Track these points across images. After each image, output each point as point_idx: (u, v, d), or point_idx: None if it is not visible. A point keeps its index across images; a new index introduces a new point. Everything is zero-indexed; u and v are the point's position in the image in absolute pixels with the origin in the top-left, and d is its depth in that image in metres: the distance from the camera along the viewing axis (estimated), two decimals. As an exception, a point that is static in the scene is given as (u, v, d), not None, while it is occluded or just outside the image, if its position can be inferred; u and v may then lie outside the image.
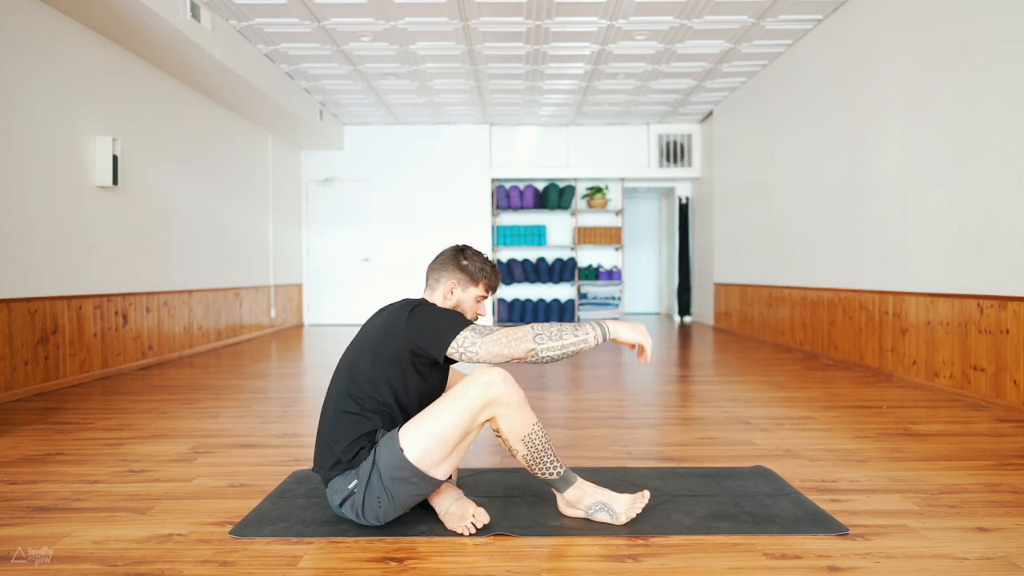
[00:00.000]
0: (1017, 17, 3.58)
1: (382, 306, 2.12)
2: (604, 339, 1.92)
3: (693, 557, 1.79)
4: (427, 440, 1.86)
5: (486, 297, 2.18)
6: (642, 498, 2.03)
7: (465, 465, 2.58)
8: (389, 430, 1.95)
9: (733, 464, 2.62)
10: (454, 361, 1.96)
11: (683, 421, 3.43)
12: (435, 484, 1.92)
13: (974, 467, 2.57)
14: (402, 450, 1.87)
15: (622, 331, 1.92)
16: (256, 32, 5.85)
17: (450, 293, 2.12)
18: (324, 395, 2.06)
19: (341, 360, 2.06)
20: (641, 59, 6.61)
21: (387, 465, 1.88)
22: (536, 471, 1.99)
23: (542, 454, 1.97)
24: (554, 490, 2.06)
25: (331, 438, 1.95)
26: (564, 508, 2.06)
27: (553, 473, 1.99)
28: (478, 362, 1.90)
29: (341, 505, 1.95)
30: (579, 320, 9.73)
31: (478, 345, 1.88)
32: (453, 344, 1.88)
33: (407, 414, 1.99)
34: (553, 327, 1.91)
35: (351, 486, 1.92)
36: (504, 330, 1.90)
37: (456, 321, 1.93)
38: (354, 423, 1.94)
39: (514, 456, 1.99)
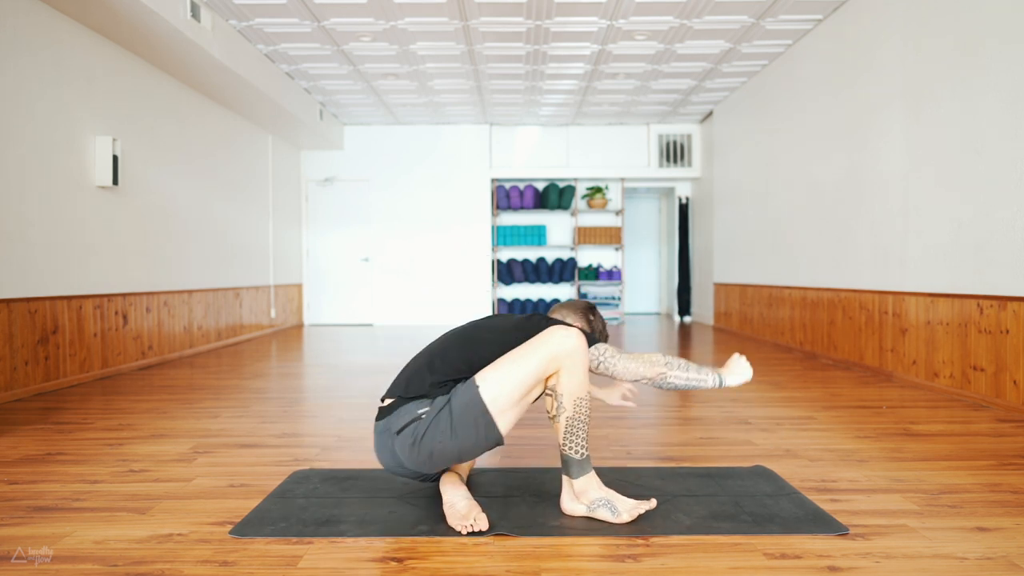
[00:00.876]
0: (1017, 17, 3.58)
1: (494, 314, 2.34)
2: (719, 386, 2.18)
3: (693, 557, 1.79)
4: (502, 383, 1.94)
5: None
6: (647, 504, 2.05)
7: (465, 465, 2.58)
8: None
9: (733, 464, 2.62)
10: None
11: (683, 421, 3.43)
12: (495, 436, 1.96)
13: (974, 467, 2.57)
14: (478, 387, 1.94)
15: (735, 380, 2.20)
16: (256, 32, 5.85)
17: None
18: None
19: (457, 330, 2.17)
20: (641, 59, 6.61)
21: (460, 401, 1.94)
22: (567, 441, 2.02)
23: (582, 425, 2.02)
24: (565, 476, 2.06)
25: (427, 370, 2.05)
26: (567, 500, 2.06)
27: (579, 452, 2.03)
28: (612, 375, 2.13)
29: (399, 432, 1.98)
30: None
31: (616, 359, 2.12)
32: (593, 350, 2.10)
33: None
34: (682, 360, 2.16)
35: (421, 411, 1.98)
36: (639, 353, 2.15)
37: (593, 336, 2.16)
38: (461, 368, 2.04)
39: (555, 417, 2.02)
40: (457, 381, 2.02)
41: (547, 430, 3.13)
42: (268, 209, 8.36)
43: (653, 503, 2.06)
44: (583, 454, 2.03)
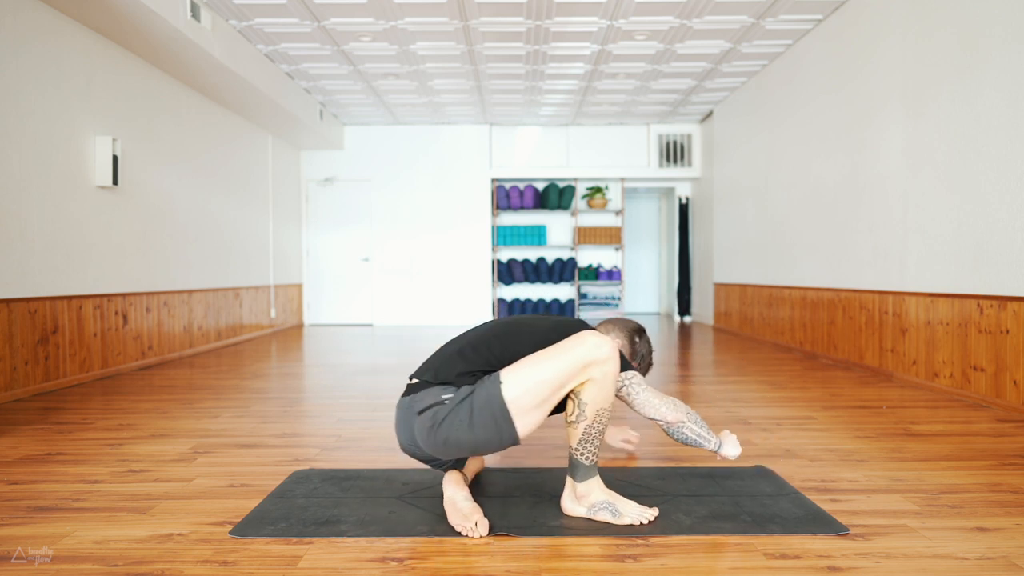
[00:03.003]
0: (1017, 17, 3.57)
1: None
2: (716, 451, 2.21)
3: (693, 557, 1.79)
4: (526, 383, 1.90)
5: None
6: (650, 512, 2.02)
7: (465, 465, 2.58)
8: None
9: (733, 464, 2.62)
10: None
11: (683, 421, 3.43)
12: (511, 436, 1.92)
13: (974, 467, 2.57)
14: (501, 383, 1.91)
15: (728, 452, 2.23)
16: (256, 32, 5.85)
17: None
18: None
19: (496, 323, 2.16)
20: (641, 59, 6.61)
21: (482, 395, 1.91)
22: (579, 447, 2.00)
23: (598, 434, 2.00)
24: (569, 478, 2.05)
25: (460, 358, 2.03)
26: (568, 500, 2.06)
27: (589, 459, 2.01)
28: (632, 404, 2.13)
29: (421, 413, 1.97)
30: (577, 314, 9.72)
31: (641, 388, 2.11)
32: (623, 375, 2.09)
33: None
34: (698, 416, 2.20)
35: (445, 397, 1.96)
36: (665, 396, 2.15)
37: (628, 362, 2.14)
38: (493, 362, 2.02)
39: (573, 424, 1.98)
40: (486, 373, 2.00)
41: (548, 430, 3.13)
42: (268, 209, 8.36)
43: (655, 511, 2.04)
44: (592, 460, 2.02)
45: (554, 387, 1.91)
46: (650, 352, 2.40)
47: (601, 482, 2.05)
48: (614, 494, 2.05)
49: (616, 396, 2.09)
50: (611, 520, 1.99)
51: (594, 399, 1.95)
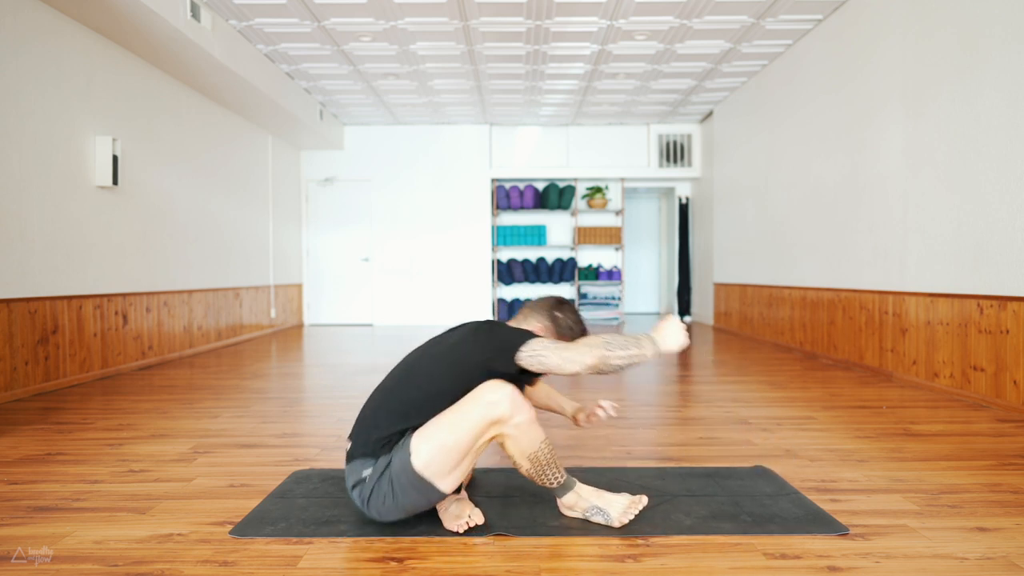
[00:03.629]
0: (1017, 17, 3.57)
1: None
2: (658, 353, 1.95)
3: (693, 557, 1.79)
4: (434, 451, 1.86)
5: None
6: (639, 502, 2.02)
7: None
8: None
9: (733, 464, 2.62)
10: (529, 373, 1.98)
11: (683, 421, 3.43)
12: (439, 495, 1.90)
13: (974, 467, 2.57)
14: (411, 454, 1.86)
15: (670, 346, 1.95)
16: (256, 32, 5.85)
17: None
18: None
19: (407, 360, 2.10)
20: (641, 59, 6.61)
21: (397, 467, 1.88)
22: (536, 480, 2.00)
23: (546, 468, 1.97)
24: (553, 494, 2.09)
25: (372, 423, 1.97)
26: (563, 509, 2.08)
27: (554, 483, 2.00)
28: (550, 369, 1.91)
29: (352, 489, 1.96)
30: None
31: (550, 350, 1.90)
32: (525, 348, 1.91)
33: None
34: (619, 337, 1.93)
35: (365, 473, 1.93)
36: (576, 342, 1.94)
37: (529, 333, 1.98)
38: (398, 418, 1.94)
39: (517, 468, 2.00)
40: (401, 433, 1.93)
41: (551, 430, 3.13)
42: (268, 209, 8.36)
43: (645, 500, 2.03)
44: (560, 481, 2.00)
45: (463, 451, 1.87)
46: (578, 321, 2.22)
47: (582, 488, 2.04)
48: (603, 495, 2.02)
49: (533, 371, 1.95)
50: (605, 523, 1.99)
51: (520, 450, 1.92)
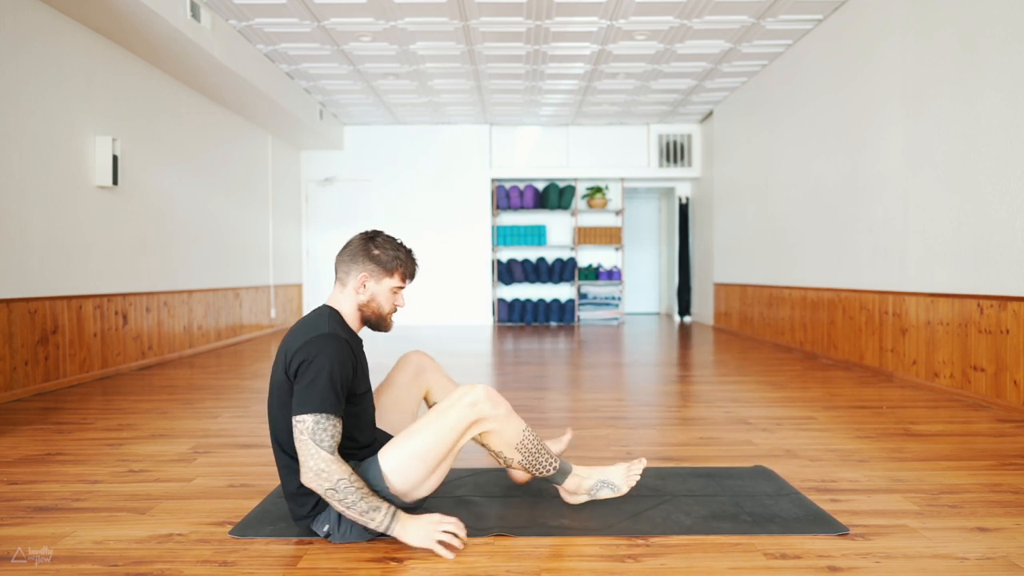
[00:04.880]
0: (1017, 17, 3.57)
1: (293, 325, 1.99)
2: (387, 531, 1.77)
3: (693, 557, 1.79)
4: (409, 463, 1.85)
5: (403, 287, 2.01)
6: (638, 464, 2.10)
7: (464, 464, 2.58)
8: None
9: (733, 464, 2.62)
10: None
11: (683, 421, 3.43)
12: (419, 504, 1.95)
13: (974, 467, 2.57)
14: (384, 476, 1.85)
15: (408, 537, 1.77)
16: (256, 32, 5.85)
17: (362, 287, 1.97)
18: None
19: (268, 407, 1.94)
20: (641, 59, 6.61)
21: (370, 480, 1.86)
22: (533, 471, 2.03)
23: (537, 455, 2.00)
24: (554, 483, 2.10)
25: (286, 491, 1.88)
26: (567, 498, 2.11)
27: (550, 469, 2.03)
28: (298, 452, 1.75)
29: (329, 537, 1.88)
30: (580, 318, 9.74)
31: (310, 448, 1.71)
32: (299, 421, 1.73)
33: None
34: (357, 494, 1.72)
35: (324, 530, 1.86)
36: (332, 460, 1.72)
37: (317, 402, 1.73)
38: (295, 478, 1.84)
39: (509, 464, 2.02)
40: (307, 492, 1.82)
41: (550, 430, 3.13)
42: (268, 209, 8.36)
43: (643, 460, 2.13)
44: (555, 466, 2.04)
45: (441, 455, 1.85)
46: (398, 248, 1.97)
47: (581, 470, 2.09)
48: (600, 469, 2.10)
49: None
50: (614, 495, 2.06)
51: (505, 443, 1.95)
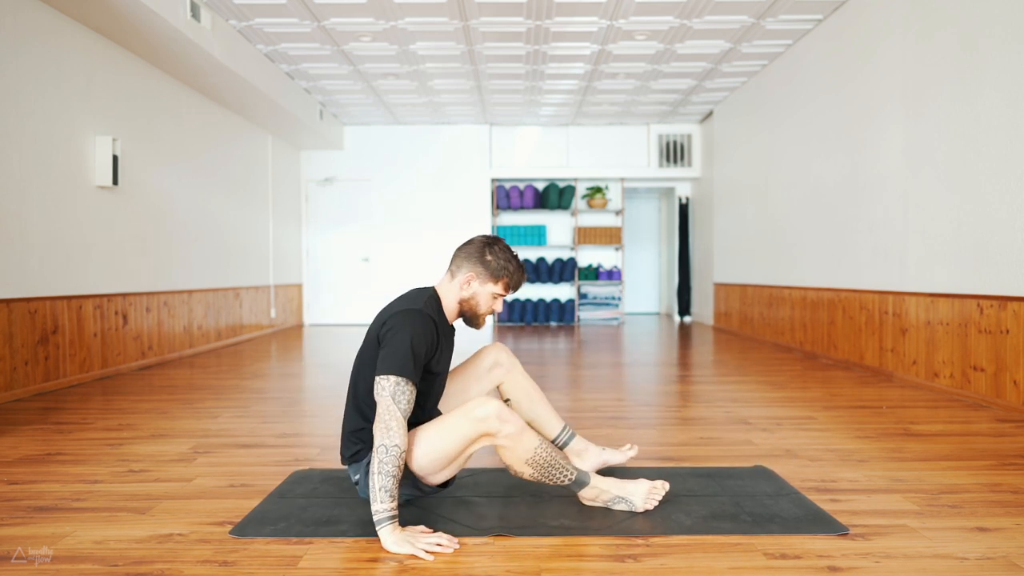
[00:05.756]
0: (1017, 17, 3.57)
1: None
2: (377, 526, 1.82)
3: (693, 557, 1.79)
4: (427, 451, 1.97)
5: (504, 295, 2.15)
6: (661, 486, 2.10)
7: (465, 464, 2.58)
8: None
9: (733, 464, 2.62)
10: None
11: (683, 421, 3.43)
12: (432, 488, 2.05)
13: (974, 467, 2.57)
14: (411, 451, 1.98)
15: (388, 543, 1.80)
16: (256, 32, 5.85)
17: (467, 284, 2.12)
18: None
19: (356, 356, 2.16)
20: (641, 59, 6.61)
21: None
22: (552, 484, 2.04)
23: (550, 469, 2.00)
24: (572, 491, 2.15)
25: (345, 423, 2.12)
26: (584, 501, 2.13)
27: (564, 480, 2.04)
28: (377, 405, 1.90)
29: (356, 486, 2.11)
30: (580, 318, 9.74)
31: (387, 403, 1.87)
32: (380, 381, 1.89)
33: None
34: (394, 470, 1.82)
35: (355, 478, 2.09)
36: (402, 424, 1.86)
37: (401, 364, 1.90)
38: (357, 419, 2.07)
39: (520, 476, 2.03)
40: (362, 431, 2.05)
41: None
42: (268, 209, 8.36)
43: (667, 485, 2.12)
44: (571, 477, 2.04)
45: (454, 454, 1.98)
46: (510, 260, 2.10)
47: (600, 480, 2.09)
48: (621, 484, 2.08)
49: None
50: (629, 510, 2.06)
51: (517, 458, 1.98)
